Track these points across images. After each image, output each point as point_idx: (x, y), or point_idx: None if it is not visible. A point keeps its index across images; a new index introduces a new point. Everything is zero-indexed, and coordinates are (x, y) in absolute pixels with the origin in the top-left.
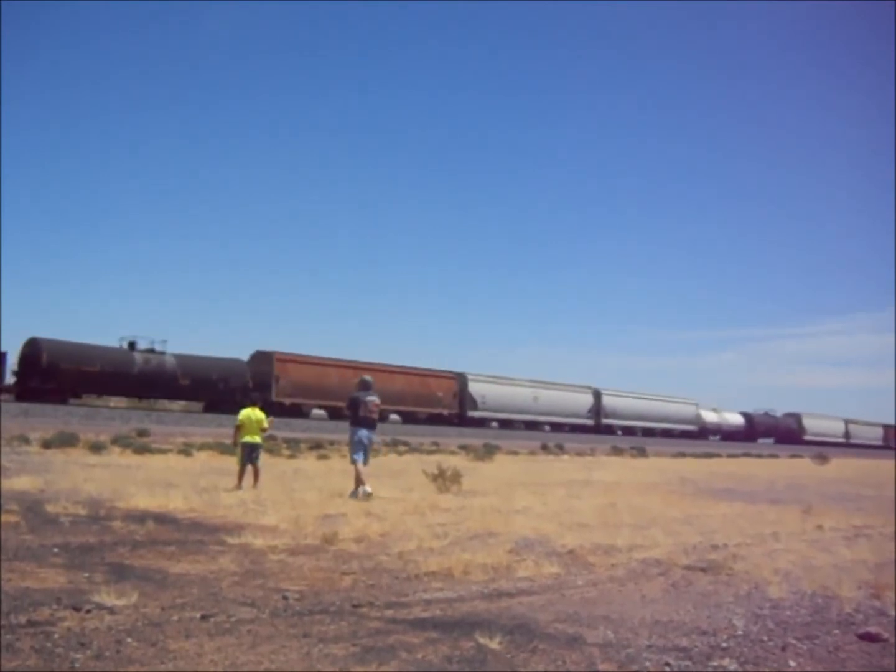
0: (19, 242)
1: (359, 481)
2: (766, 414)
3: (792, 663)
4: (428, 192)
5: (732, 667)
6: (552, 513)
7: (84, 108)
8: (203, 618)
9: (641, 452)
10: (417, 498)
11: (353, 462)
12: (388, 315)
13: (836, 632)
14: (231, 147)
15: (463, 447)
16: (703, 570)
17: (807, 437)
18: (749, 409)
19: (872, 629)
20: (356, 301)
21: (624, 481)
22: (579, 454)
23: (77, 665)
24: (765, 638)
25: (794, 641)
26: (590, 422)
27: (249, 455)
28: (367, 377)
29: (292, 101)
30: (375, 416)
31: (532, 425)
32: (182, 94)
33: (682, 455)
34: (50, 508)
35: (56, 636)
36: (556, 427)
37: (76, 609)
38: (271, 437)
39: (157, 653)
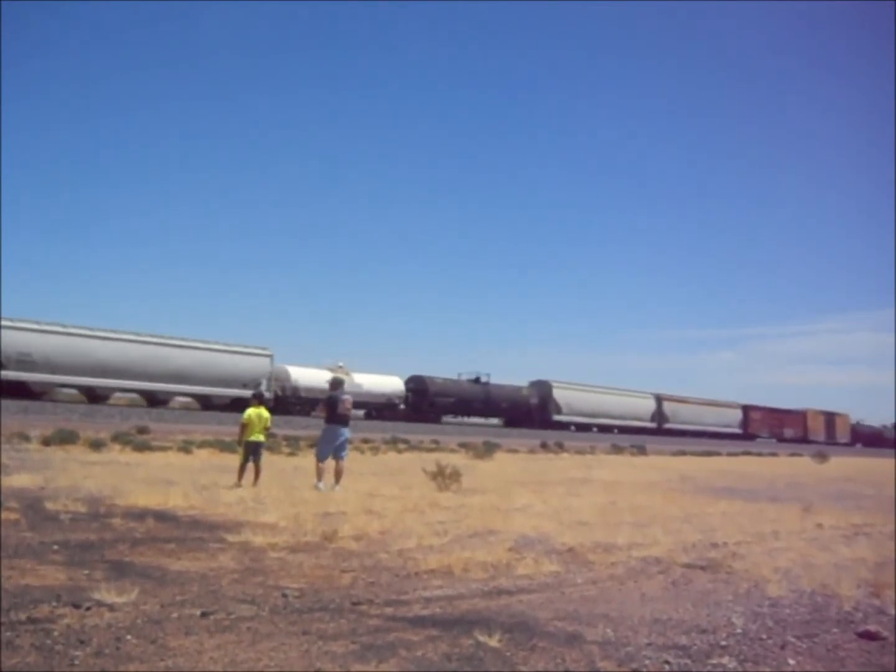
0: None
1: (320, 475)
2: (478, 381)
3: (791, 661)
4: (416, 191)
5: (731, 665)
6: (552, 511)
7: (85, 108)
8: (203, 615)
9: (641, 451)
10: (417, 496)
11: (320, 458)
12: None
13: (836, 630)
14: (231, 147)
15: (463, 445)
16: (702, 568)
17: (561, 418)
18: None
19: (872, 628)
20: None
21: (623, 479)
22: (579, 452)
23: (77, 662)
24: (764, 636)
25: (793, 640)
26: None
27: (252, 453)
28: (340, 376)
29: (303, 102)
30: (349, 413)
31: None
32: (192, 95)
33: (682, 453)
34: (50, 506)
35: (56, 633)
36: None
37: (76, 606)
38: (271, 435)
39: (157, 650)
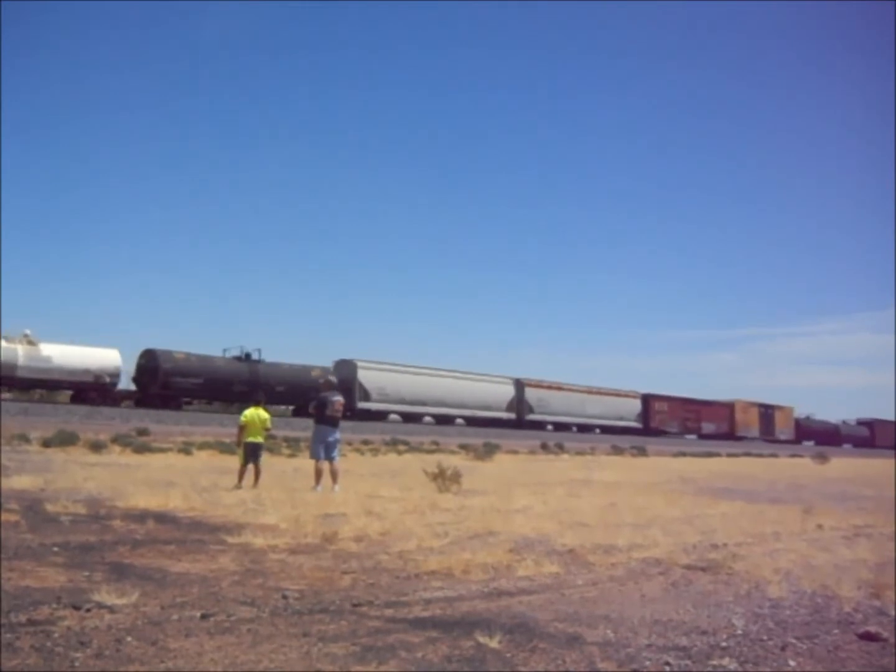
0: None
1: (318, 477)
2: (247, 358)
3: (791, 663)
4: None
5: (732, 666)
6: (552, 512)
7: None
8: (203, 617)
9: (642, 451)
10: (417, 497)
11: (316, 459)
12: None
13: (836, 631)
14: (233, 147)
15: (463, 446)
16: (702, 569)
17: (368, 406)
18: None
19: (872, 629)
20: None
21: (624, 481)
22: (579, 453)
23: (77, 664)
24: (764, 637)
25: (793, 641)
26: None
27: (252, 454)
28: (333, 378)
29: (304, 104)
30: (339, 415)
31: None
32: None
33: (683, 454)
34: (50, 507)
35: (56, 635)
36: None
37: (76, 608)
38: (271, 436)
39: (157, 652)
